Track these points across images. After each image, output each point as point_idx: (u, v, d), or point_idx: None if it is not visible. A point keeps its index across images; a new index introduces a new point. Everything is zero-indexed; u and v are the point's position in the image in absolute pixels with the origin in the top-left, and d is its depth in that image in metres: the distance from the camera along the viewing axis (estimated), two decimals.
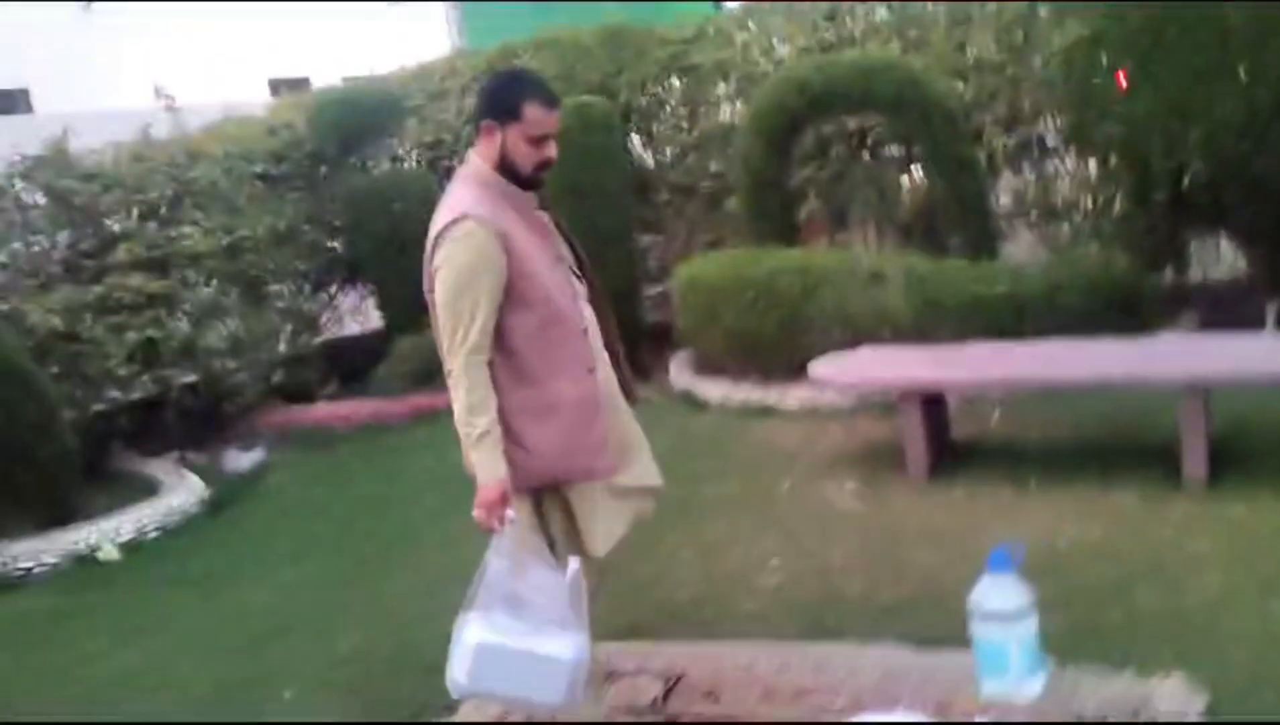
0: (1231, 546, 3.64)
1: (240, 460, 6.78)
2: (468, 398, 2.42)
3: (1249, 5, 5.02)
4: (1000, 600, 2.76)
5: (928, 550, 3.98)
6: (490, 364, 2.46)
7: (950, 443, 4.93)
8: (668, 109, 7.79)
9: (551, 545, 2.64)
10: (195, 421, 7.04)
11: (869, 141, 7.03)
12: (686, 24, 8.06)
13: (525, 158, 2.50)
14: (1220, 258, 6.37)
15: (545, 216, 2.65)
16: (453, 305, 2.43)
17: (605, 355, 2.72)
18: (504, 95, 2.52)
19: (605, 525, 2.65)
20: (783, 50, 7.49)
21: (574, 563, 2.48)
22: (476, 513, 2.44)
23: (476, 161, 2.56)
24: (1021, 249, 6.95)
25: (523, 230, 2.51)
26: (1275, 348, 4.50)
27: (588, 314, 2.67)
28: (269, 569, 4.85)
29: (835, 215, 7.22)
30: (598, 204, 6.96)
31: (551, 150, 2.51)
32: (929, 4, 6.97)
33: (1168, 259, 6.10)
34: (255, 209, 7.71)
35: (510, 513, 2.42)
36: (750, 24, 7.75)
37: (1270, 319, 5.91)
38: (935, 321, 5.61)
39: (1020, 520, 4.12)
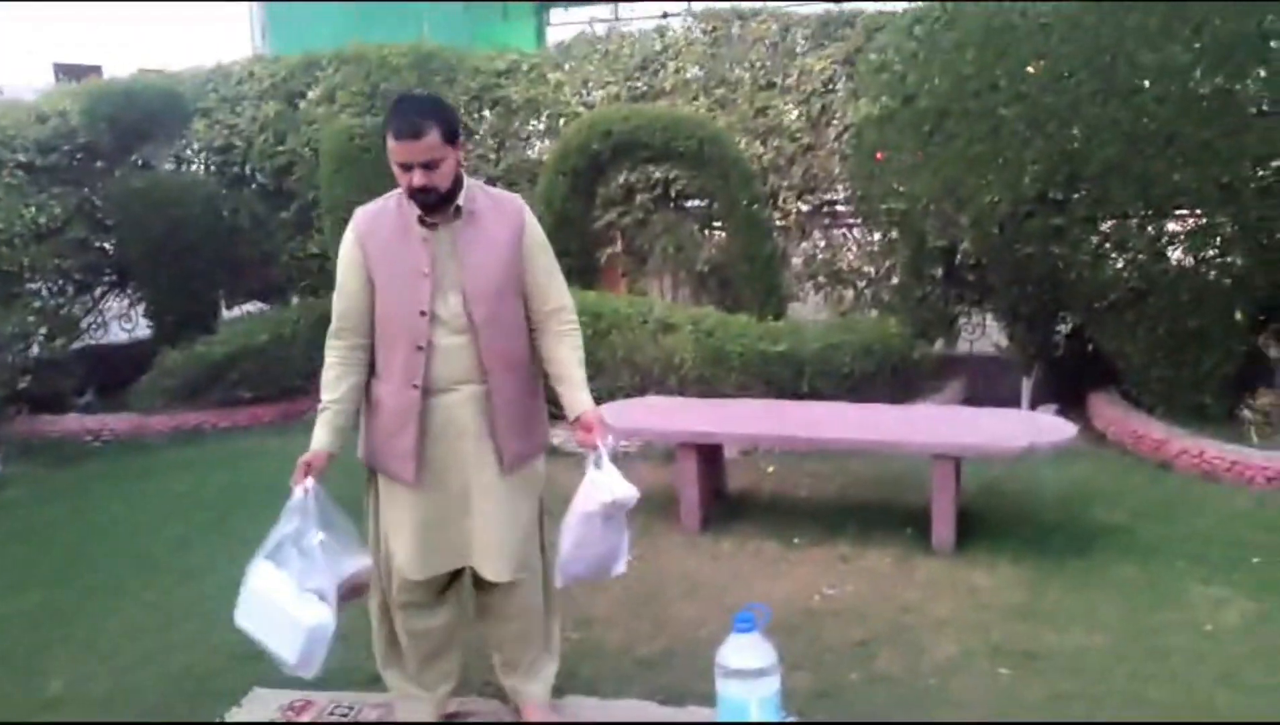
0: (970, 612, 3.81)
1: None
2: (323, 375, 2.69)
3: (1022, 102, 5.40)
4: (743, 659, 2.78)
5: (689, 603, 3.99)
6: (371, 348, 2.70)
7: (725, 495, 5.00)
8: (475, 139, 7.68)
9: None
10: None
11: (673, 193, 7.15)
12: (501, 55, 7.99)
13: (400, 180, 2.58)
14: (986, 333, 6.79)
15: (427, 233, 2.63)
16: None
17: (474, 390, 2.70)
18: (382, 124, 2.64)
19: (410, 545, 2.72)
20: (596, 94, 7.54)
21: (361, 561, 2.66)
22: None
23: None
24: (808, 310, 7.22)
25: (394, 242, 2.63)
26: (1023, 423, 4.78)
27: (441, 338, 2.64)
28: None
29: (636, 261, 7.29)
30: None
31: (417, 178, 2.53)
32: (737, 68, 7.16)
33: (939, 330, 6.44)
34: (13, 199, 7.06)
35: (309, 482, 2.56)
36: (566, 65, 7.76)
37: (1025, 394, 6.35)
38: (720, 374, 5.71)
39: (781, 576, 4.21)
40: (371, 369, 2.73)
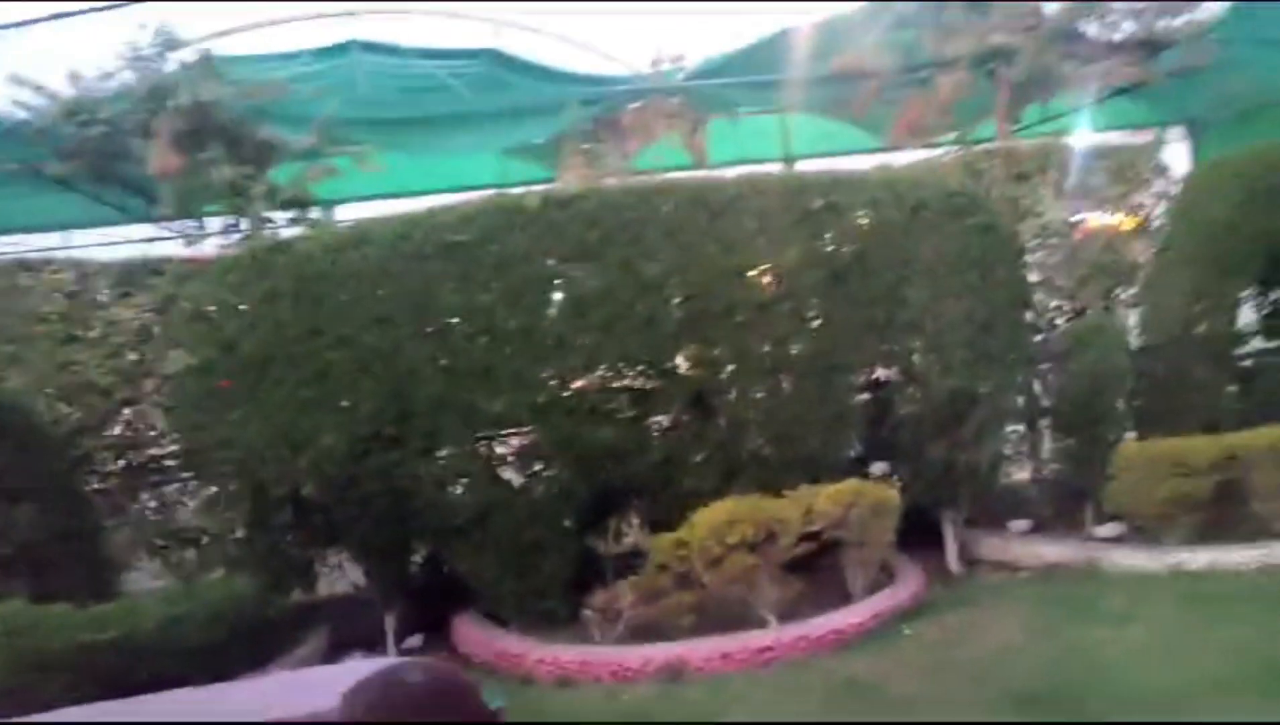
0: None
1: None
2: None
3: (347, 346, 5.47)
4: None
5: None
6: None
7: None
8: None
9: None
10: None
11: None
12: None
13: None
14: (345, 573, 6.58)
15: None
16: None
17: None
18: None
19: None
20: None
21: None
22: None
23: None
24: (144, 580, 6.41)
25: None
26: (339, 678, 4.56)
27: None
28: None
29: None
30: None
31: None
32: (32, 322, 6.34)
33: (294, 579, 6.11)
34: None
35: None
36: None
37: (390, 630, 6.21)
38: (39, 679, 4.73)
39: None
40: None
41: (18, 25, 6.47)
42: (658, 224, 5.84)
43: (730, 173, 6.57)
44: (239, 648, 5.34)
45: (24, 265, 6.70)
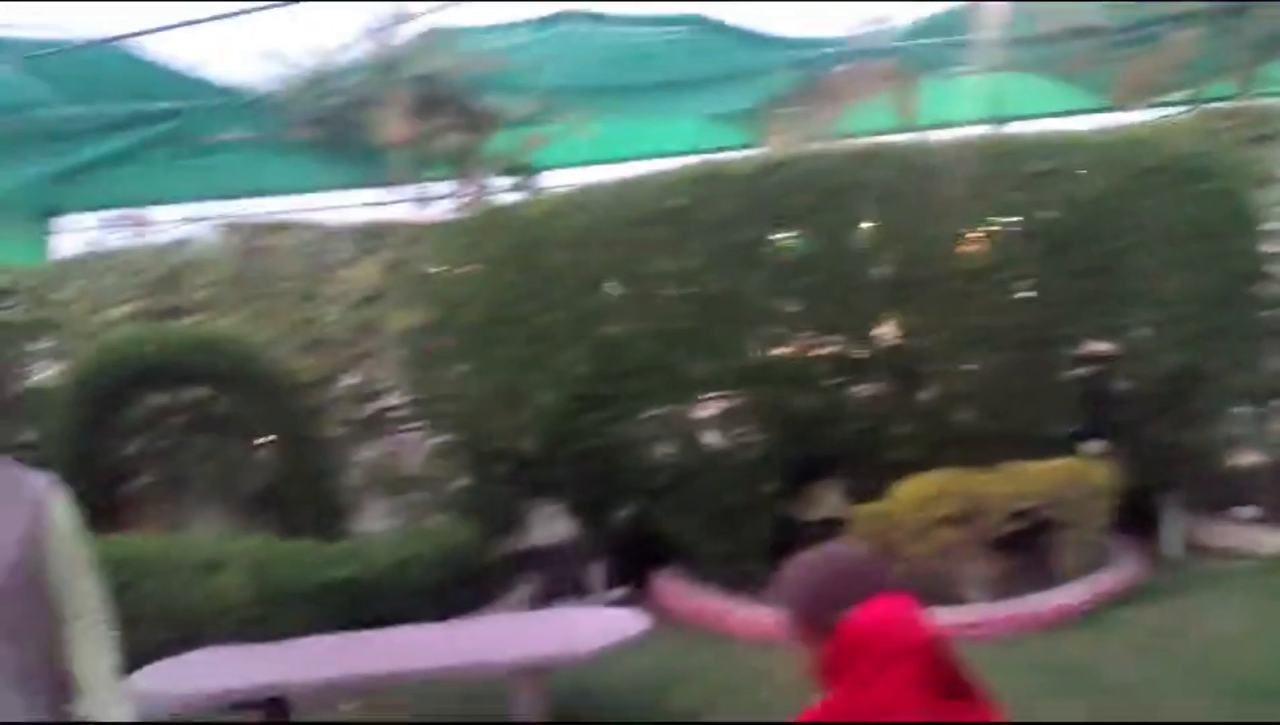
0: None
1: None
2: None
3: (563, 309, 5.71)
4: None
5: None
6: None
7: None
8: None
9: None
10: None
11: (210, 415, 6.59)
12: None
13: None
14: (555, 524, 6.89)
15: None
16: None
17: None
18: None
19: None
20: (116, 311, 6.86)
21: None
22: None
23: None
24: (372, 522, 6.90)
25: None
26: (597, 621, 4.83)
27: None
28: None
29: (169, 494, 6.55)
30: None
31: None
32: (276, 280, 6.91)
33: (509, 527, 6.45)
34: None
35: None
36: (77, 282, 7.02)
37: (598, 582, 6.49)
38: (281, 611, 5.20)
39: None
40: None
41: (266, 5, 6.98)
42: (866, 190, 5.78)
43: (941, 136, 6.41)
44: (460, 591, 5.70)
45: (268, 227, 7.29)
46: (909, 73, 8.38)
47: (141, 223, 8.65)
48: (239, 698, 4.16)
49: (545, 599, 6.27)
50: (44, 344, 6.97)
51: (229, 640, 4.93)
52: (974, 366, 5.86)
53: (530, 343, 5.71)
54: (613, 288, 5.71)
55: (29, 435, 6.57)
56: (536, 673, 4.26)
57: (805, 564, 2.11)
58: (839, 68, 8.38)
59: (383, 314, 6.71)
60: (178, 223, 8.91)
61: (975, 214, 5.82)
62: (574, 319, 5.71)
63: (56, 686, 2.38)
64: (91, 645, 2.36)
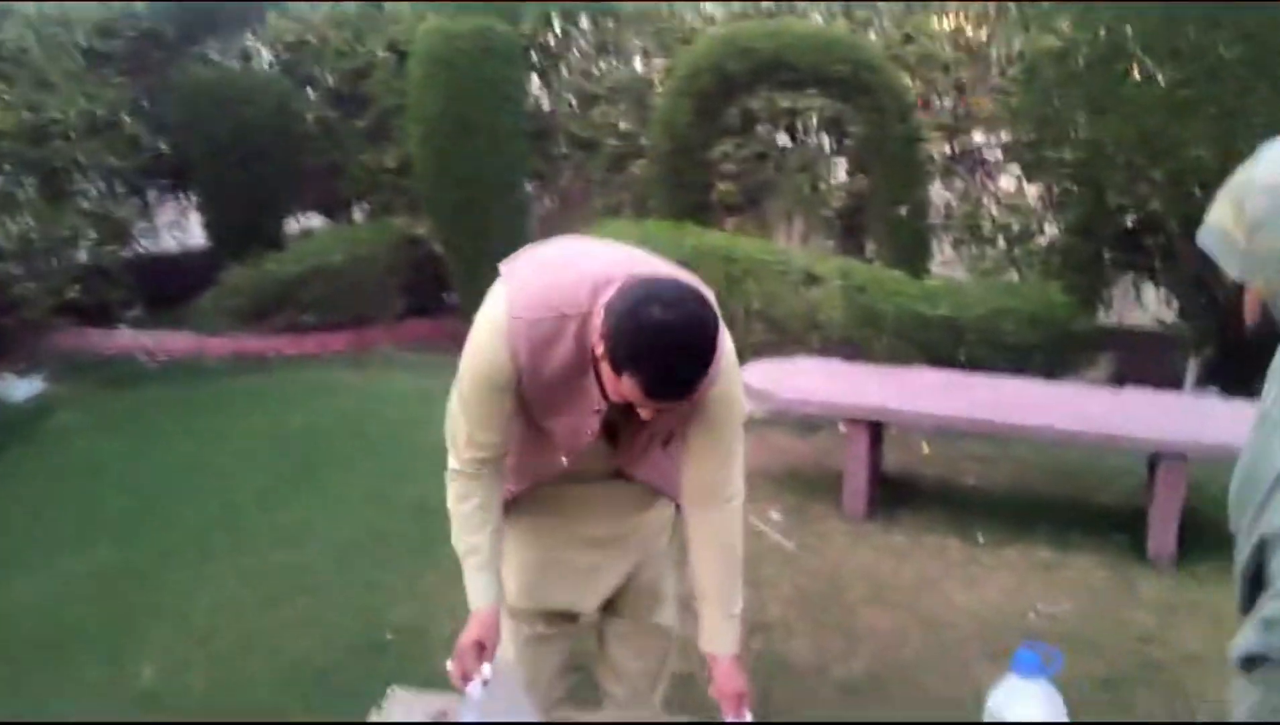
0: (1221, 642, 3.18)
1: (15, 388, 5.53)
2: (457, 507, 2.00)
3: (1245, 43, 4.65)
4: (1027, 712, 2.16)
5: (878, 611, 3.40)
6: None
7: (884, 476, 4.34)
8: (576, 51, 6.91)
9: None
10: None
11: (800, 125, 6.37)
12: None
13: (613, 394, 1.75)
14: (1143, 303, 6.07)
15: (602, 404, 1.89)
16: None
17: None
18: (622, 344, 1.64)
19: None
20: (714, 9, 6.75)
21: None
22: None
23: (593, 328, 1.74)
24: (938, 267, 6.48)
25: (560, 393, 1.89)
26: (1230, 413, 4.08)
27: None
28: (44, 553, 3.73)
29: (749, 201, 6.54)
30: (487, 144, 6.10)
31: (647, 413, 1.73)
32: None
33: (1100, 298, 5.75)
34: (71, 87, 6.34)
35: (486, 669, 1.83)
36: None
37: (1190, 376, 5.67)
38: (869, 336, 5.03)
39: (977, 583, 3.60)
40: None
41: None
42: None
43: None
44: (1043, 354, 5.20)
45: None
46: None
47: None
48: (854, 414, 4.03)
49: (1121, 383, 5.60)
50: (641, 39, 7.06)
51: (821, 353, 4.86)
52: None
53: (1194, 82, 4.74)
54: None
55: (627, 124, 6.82)
56: (1180, 460, 3.70)
57: None
58: None
59: (1000, 34, 5.95)
60: None
61: None
62: (1260, 58, 4.62)
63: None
64: (720, 539, 2.09)
